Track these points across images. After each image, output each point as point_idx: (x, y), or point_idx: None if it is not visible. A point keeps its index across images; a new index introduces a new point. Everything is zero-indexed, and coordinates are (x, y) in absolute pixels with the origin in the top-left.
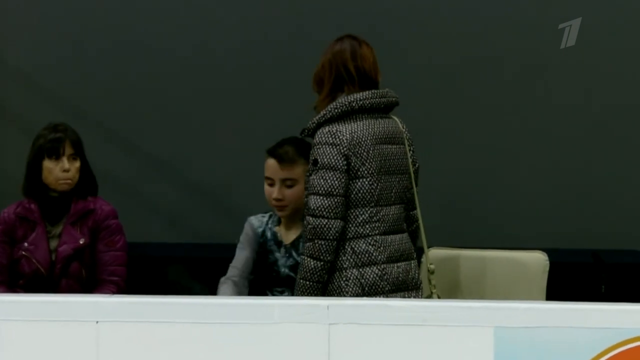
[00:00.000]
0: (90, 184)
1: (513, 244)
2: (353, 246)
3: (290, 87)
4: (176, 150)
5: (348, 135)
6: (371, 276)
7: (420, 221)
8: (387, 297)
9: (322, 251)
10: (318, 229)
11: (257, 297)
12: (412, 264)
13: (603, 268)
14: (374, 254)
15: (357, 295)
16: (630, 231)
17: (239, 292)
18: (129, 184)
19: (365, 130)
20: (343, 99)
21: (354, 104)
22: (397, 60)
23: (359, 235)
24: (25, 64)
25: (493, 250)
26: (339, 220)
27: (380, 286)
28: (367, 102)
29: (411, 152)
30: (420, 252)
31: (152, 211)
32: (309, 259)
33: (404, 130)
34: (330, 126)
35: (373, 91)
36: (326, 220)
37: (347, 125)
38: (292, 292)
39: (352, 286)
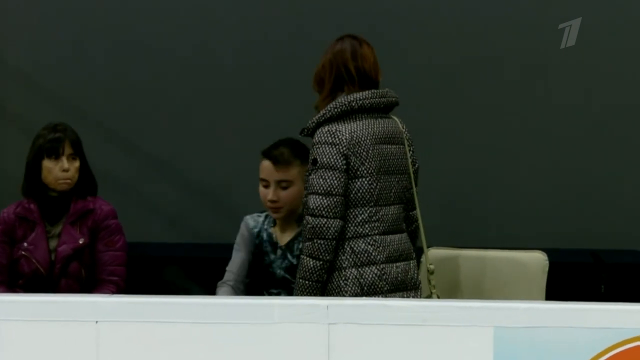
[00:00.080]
0: (90, 184)
1: (513, 244)
2: (352, 246)
3: (290, 87)
4: (176, 150)
5: (347, 135)
6: (370, 276)
7: (420, 221)
8: (385, 297)
9: (322, 251)
10: (317, 229)
11: (256, 297)
12: (411, 264)
13: (603, 268)
14: (373, 253)
15: (356, 295)
16: (629, 231)
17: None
18: (128, 184)
19: (364, 130)
20: (343, 99)
21: (353, 104)
22: (397, 60)
23: (358, 235)
24: (25, 64)
25: (493, 250)
26: (338, 220)
27: (379, 286)
28: (367, 102)
29: (411, 152)
30: (419, 252)
31: (152, 211)
32: (308, 259)
33: (404, 130)
34: (330, 126)
35: (373, 91)
36: (325, 220)
37: (346, 124)
38: (288, 293)
39: (351, 286)
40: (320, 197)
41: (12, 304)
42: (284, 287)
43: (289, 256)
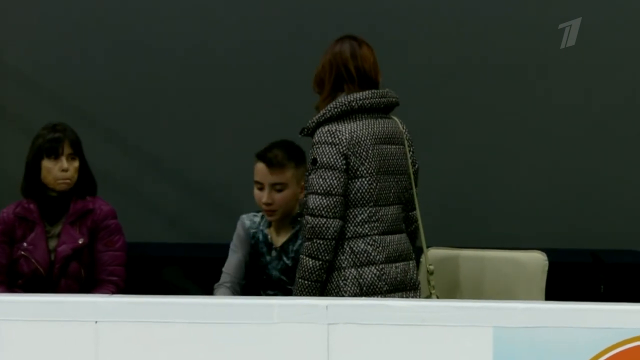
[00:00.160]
0: (89, 184)
1: (512, 244)
2: (352, 246)
3: (290, 87)
4: (176, 150)
5: (347, 135)
6: (369, 276)
7: (420, 222)
8: (385, 297)
9: (321, 250)
10: (317, 228)
11: (255, 297)
12: (411, 265)
13: (602, 268)
14: (373, 253)
15: (356, 295)
16: (629, 231)
17: None
18: (128, 184)
19: (364, 130)
20: (343, 99)
21: (353, 104)
22: (397, 60)
23: (357, 235)
24: (25, 64)
25: (492, 250)
26: (337, 220)
27: (379, 286)
28: (367, 102)
29: (411, 152)
30: (419, 252)
31: (152, 211)
32: (307, 258)
33: (404, 130)
34: (330, 125)
35: (373, 91)
36: (325, 220)
37: (346, 124)
38: (284, 294)
39: (350, 286)
40: (320, 197)
41: (11, 304)
42: (280, 288)
43: (284, 258)
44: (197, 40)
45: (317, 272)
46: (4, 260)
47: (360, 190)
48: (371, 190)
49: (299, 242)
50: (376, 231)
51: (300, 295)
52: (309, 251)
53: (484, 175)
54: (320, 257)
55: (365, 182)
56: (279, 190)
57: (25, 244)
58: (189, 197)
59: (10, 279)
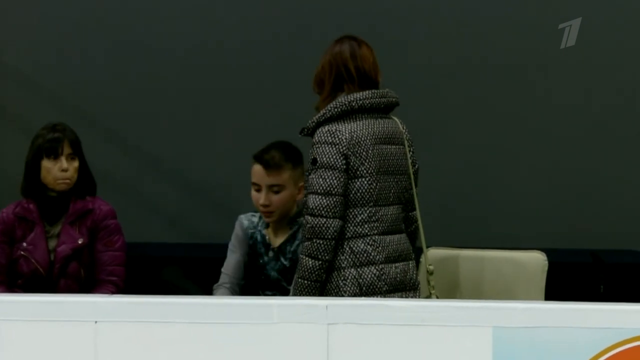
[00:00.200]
0: (89, 184)
1: (512, 244)
2: (351, 246)
3: (290, 87)
4: (175, 150)
5: (347, 135)
6: (369, 276)
7: (420, 222)
8: (384, 297)
9: (321, 250)
10: (317, 228)
11: (255, 297)
12: (410, 265)
13: (602, 268)
14: (372, 253)
15: (355, 295)
16: (629, 231)
17: None
18: (128, 184)
19: (364, 130)
20: (343, 99)
21: (353, 104)
22: (397, 61)
23: (357, 235)
24: (24, 64)
25: (492, 250)
26: (337, 220)
27: (378, 286)
28: (367, 102)
29: (411, 152)
30: (419, 252)
31: (151, 211)
32: (307, 258)
33: (404, 131)
34: (330, 125)
35: (373, 91)
36: (325, 220)
37: (346, 124)
38: (282, 295)
39: (350, 286)
40: (320, 196)
41: (11, 304)
42: (278, 288)
43: (282, 258)
44: (197, 40)
45: (316, 272)
46: (3, 260)
47: (360, 190)
48: (371, 190)
49: (297, 242)
50: (376, 231)
51: (300, 295)
52: (309, 251)
53: (483, 175)
54: (320, 257)
55: (365, 182)
56: (276, 192)
57: (24, 244)
58: (189, 197)
59: (10, 279)
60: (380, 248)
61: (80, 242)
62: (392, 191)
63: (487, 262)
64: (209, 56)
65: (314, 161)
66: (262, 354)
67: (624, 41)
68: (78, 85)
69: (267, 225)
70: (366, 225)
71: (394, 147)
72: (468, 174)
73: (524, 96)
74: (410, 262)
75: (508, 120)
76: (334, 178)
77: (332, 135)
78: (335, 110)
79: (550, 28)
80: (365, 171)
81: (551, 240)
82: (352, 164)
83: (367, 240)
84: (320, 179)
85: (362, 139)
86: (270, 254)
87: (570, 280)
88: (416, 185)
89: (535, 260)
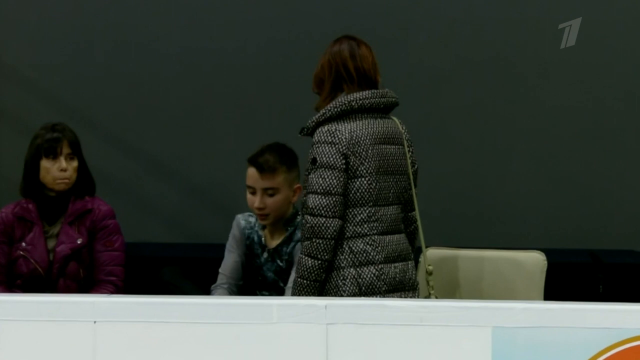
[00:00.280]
0: (88, 184)
1: (511, 244)
2: (351, 245)
3: (289, 87)
4: (174, 151)
5: (347, 135)
6: (368, 276)
7: (419, 222)
8: (383, 297)
9: (320, 250)
10: (316, 228)
11: (254, 297)
12: (410, 265)
13: (601, 268)
14: (372, 253)
15: (354, 294)
16: (628, 231)
17: None
18: (127, 184)
19: (364, 130)
20: (342, 98)
21: (353, 103)
22: (397, 61)
23: (357, 235)
24: (23, 64)
25: (491, 250)
26: (337, 219)
27: (377, 286)
28: (367, 102)
29: (410, 153)
30: (418, 252)
31: (150, 211)
32: (306, 258)
33: (403, 131)
34: (330, 125)
35: (373, 91)
36: (324, 219)
37: (346, 124)
38: (279, 295)
39: (349, 285)
40: (320, 196)
41: (10, 303)
42: (275, 289)
43: (278, 260)
44: (196, 40)
45: (316, 272)
46: (3, 260)
47: (360, 190)
48: (370, 190)
49: (293, 244)
50: (375, 231)
51: (299, 294)
52: (308, 250)
53: (483, 176)
54: (319, 256)
55: (365, 182)
56: (271, 195)
57: (24, 244)
58: (188, 198)
59: (9, 279)
60: (379, 248)
61: (79, 242)
62: (392, 191)
63: (487, 262)
64: (207, 56)
65: (314, 161)
66: (261, 353)
67: (624, 41)
68: (77, 85)
69: (263, 227)
70: (365, 225)
71: (393, 147)
72: (467, 174)
73: (523, 96)
74: (410, 262)
75: (507, 121)
76: (333, 178)
77: (332, 135)
78: (335, 110)
79: (550, 28)
80: (364, 171)
81: (550, 240)
82: (351, 163)
83: (367, 240)
84: (320, 179)
85: (362, 138)
86: (266, 255)
87: (569, 280)
88: (415, 186)
89: (535, 260)
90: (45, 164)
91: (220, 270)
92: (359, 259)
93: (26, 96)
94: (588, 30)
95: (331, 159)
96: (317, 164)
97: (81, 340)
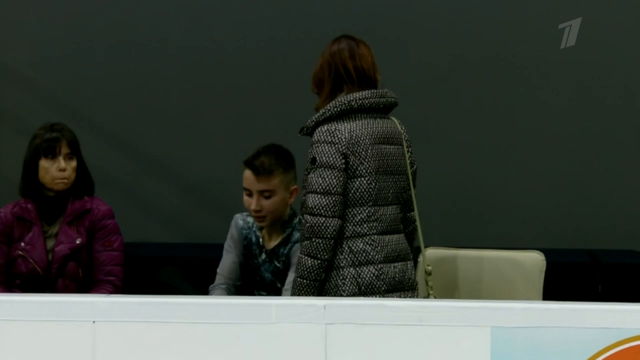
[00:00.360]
0: (87, 184)
1: (510, 244)
2: (350, 245)
3: (290, 87)
4: (173, 151)
5: (347, 134)
6: (368, 275)
7: (418, 222)
8: (383, 296)
9: (320, 249)
10: (316, 228)
11: (253, 297)
12: (409, 265)
13: (600, 268)
14: (371, 253)
15: (354, 294)
16: (627, 231)
17: None
18: (126, 184)
19: (364, 130)
20: (342, 98)
21: (353, 103)
22: (396, 60)
23: (356, 235)
24: (22, 64)
25: (490, 250)
26: (336, 219)
27: (377, 286)
28: (367, 102)
29: (409, 153)
30: (417, 252)
31: (149, 211)
32: (306, 257)
33: (402, 131)
34: (329, 125)
35: (373, 91)
36: (324, 219)
37: (345, 124)
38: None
39: (349, 285)
40: (319, 196)
41: (9, 303)
42: (273, 290)
43: (275, 261)
44: (195, 40)
45: (315, 271)
46: (1, 260)
47: (359, 190)
48: (370, 190)
49: (290, 246)
50: (375, 231)
51: (299, 294)
52: (308, 250)
53: (481, 175)
54: (319, 256)
55: (364, 182)
56: (267, 197)
57: (23, 244)
58: (187, 198)
59: (8, 279)
60: (379, 248)
61: (78, 242)
62: (391, 191)
63: (486, 262)
64: (206, 56)
65: (313, 160)
66: (260, 353)
67: (623, 41)
68: (77, 85)
69: (261, 228)
70: (365, 225)
71: (392, 147)
72: (466, 174)
73: (522, 96)
74: (409, 262)
75: (506, 121)
76: (333, 177)
77: (332, 135)
78: (335, 109)
79: (549, 28)
80: (364, 170)
81: (549, 240)
82: (351, 163)
83: (366, 240)
84: (320, 178)
85: (362, 138)
86: (264, 256)
87: (568, 280)
88: (414, 186)
89: (534, 260)
90: (44, 163)
91: (218, 270)
92: (359, 258)
93: (26, 96)
94: (588, 30)
95: (331, 159)
96: (317, 163)
97: (80, 340)
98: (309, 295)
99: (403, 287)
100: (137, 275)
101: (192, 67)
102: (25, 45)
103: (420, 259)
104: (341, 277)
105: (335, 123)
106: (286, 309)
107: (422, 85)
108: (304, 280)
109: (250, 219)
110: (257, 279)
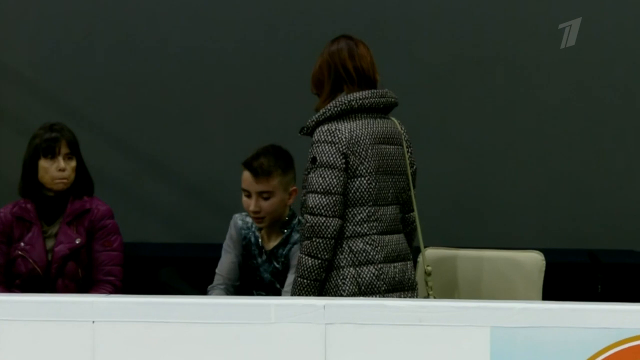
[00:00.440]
0: (86, 184)
1: (510, 244)
2: (350, 245)
3: (290, 87)
4: (173, 151)
5: (347, 134)
6: (368, 275)
7: (418, 222)
8: (383, 296)
9: (320, 249)
10: (316, 227)
11: (252, 297)
12: (409, 265)
13: (599, 268)
14: (371, 253)
15: (354, 294)
16: (626, 231)
17: None
18: (125, 184)
19: (364, 129)
20: (343, 98)
21: (353, 103)
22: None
23: (356, 234)
24: (22, 64)
25: (489, 250)
26: (337, 219)
27: (377, 286)
28: (367, 102)
29: (409, 153)
30: (417, 252)
31: (149, 211)
32: (306, 257)
33: (402, 132)
34: (329, 124)
35: (373, 91)
36: (324, 219)
37: (346, 123)
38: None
39: (349, 285)
40: (319, 195)
41: (9, 303)
42: (272, 290)
43: (274, 262)
44: (195, 39)
45: (316, 271)
46: (1, 260)
47: (360, 190)
48: (370, 190)
49: (289, 247)
50: (375, 231)
51: (299, 294)
52: (308, 250)
53: (481, 175)
54: (319, 255)
55: (365, 182)
56: (266, 198)
57: (22, 244)
58: (186, 198)
59: (8, 279)
60: (379, 247)
61: (77, 242)
62: (391, 191)
63: (485, 262)
64: (206, 56)
65: (314, 160)
66: (260, 354)
67: (623, 41)
68: (76, 85)
69: (260, 228)
70: (365, 225)
71: (392, 147)
72: (466, 174)
73: (522, 96)
74: (409, 262)
75: (506, 121)
76: (333, 177)
77: (332, 134)
78: (335, 109)
79: (549, 28)
80: (364, 170)
81: (549, 240)
82: (351, 163)
83: (366, 240)
84: (320, 178)
85: (362, 138)
86: (264, 256)
87: (567, 280)
88: (414, 187)
89: (533, 260)
90: (43, 163)
91: (217, 270)
92: (359, 258)
93: (26, 96)
94: (588, 29)
95: (331, 159)
96: (317, 163)
97: (80, 340)
98: (309, 295)
99: (403, 287)
100: (137, 276)
101: (192, 67)
102: (25, 45)
103: (420, 259)
104: (341, 277)
105: (335, 123)
106: (286, 309)
107: (422, 85)
108: (305, 280)
109: (249, 219)
110: (256, 279)
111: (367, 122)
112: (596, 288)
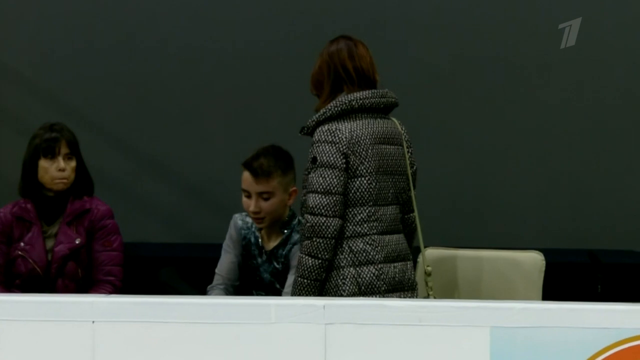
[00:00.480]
0: (86, 184)
1: (509, 244)
2: (350, 245)
3: (290, 87)
4: (173, 151)
5: (347, 134)
6: (368, 275)
7: (418, 222)
8: (383, 296)
9: (320, 249)
10: (316, 227)
11: (252, 297)
12: (409, 265)
13: (599, 268)
14: (372, 253)
15: (354, 294)
16: (627, 231)
17: None
18: (125, 184)
19: (364, 129)
20: (343, 98)
21: (353, 103)
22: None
23: (356, 234)
24: (22, 64)
25: (489, 250)
26: (337, 219)
27: (377, 286)
28: (367, 102)
29: (409, 154)
30: (417, 252)
31: (149, 211)
32: (307, 257)
33: (402, 132)
34: (330, 124)
35: (373, 91)
36: (324, 219)
37: (346, 123)
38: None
39: (349, 285)
40: (320, 195)
41: (9, 303)
42: (272, 291)
43: (274, 262)
44: (195, 39)
45: (316, 271)
46: (1, 261)
47: (360, 190)
48: (370, 190)
49: (289, 247)
50: (375, 231)
51: (300, 294)
52: (309, 250)
53: (481, 175)
54: (319, 255)
55: (365, 182)
56: (266, 199)
57: (22, 244)
58: (186, 198)
59: (8, 279)
60: (379, 247)
61: (77, 242)
62: (391, 191)
63: (485, 262)
64: (206, 55)
65: (314, 160)
66: (260, 354)
67: (623, 41)
68: (76, 85)
69: (260, 229)
70: (365, 225)
71: (392, 147)
72: (466, 174)
73: (522, 96)
74: (409, 262)
75: (505, 120)
76: (333, 177)
77: (332, 134)
78: (335, 109)
79: (549, 28)
80: (364, 170)
81: (548, 240)
82: (351, 163)
83: (367, 240)
84: (320, 178)
85: (362, 138)
86: (263, 256)
87: (567, 280)
88: (414, 187)
89: (533, 260)
90: (43, 163)
91: (216, 270)
92: (359, 258)
93: (26, 96)
94: (588, 29)
95: (331, 158)
96: (318, 163)
97: (80, 340)
98: (310, 295)
99: (403, 287)
100: (137, 276)
101: (192, 67)
102: (25, 45)
103: (420, 259)
104: (341, 277)
105: (335, 123)
106: (286, 309)
107: (422, 85)
108: (305, 280)
109: (249, 219)
110: (256, 279)
111: (368, 122)
112: (596, 288)
